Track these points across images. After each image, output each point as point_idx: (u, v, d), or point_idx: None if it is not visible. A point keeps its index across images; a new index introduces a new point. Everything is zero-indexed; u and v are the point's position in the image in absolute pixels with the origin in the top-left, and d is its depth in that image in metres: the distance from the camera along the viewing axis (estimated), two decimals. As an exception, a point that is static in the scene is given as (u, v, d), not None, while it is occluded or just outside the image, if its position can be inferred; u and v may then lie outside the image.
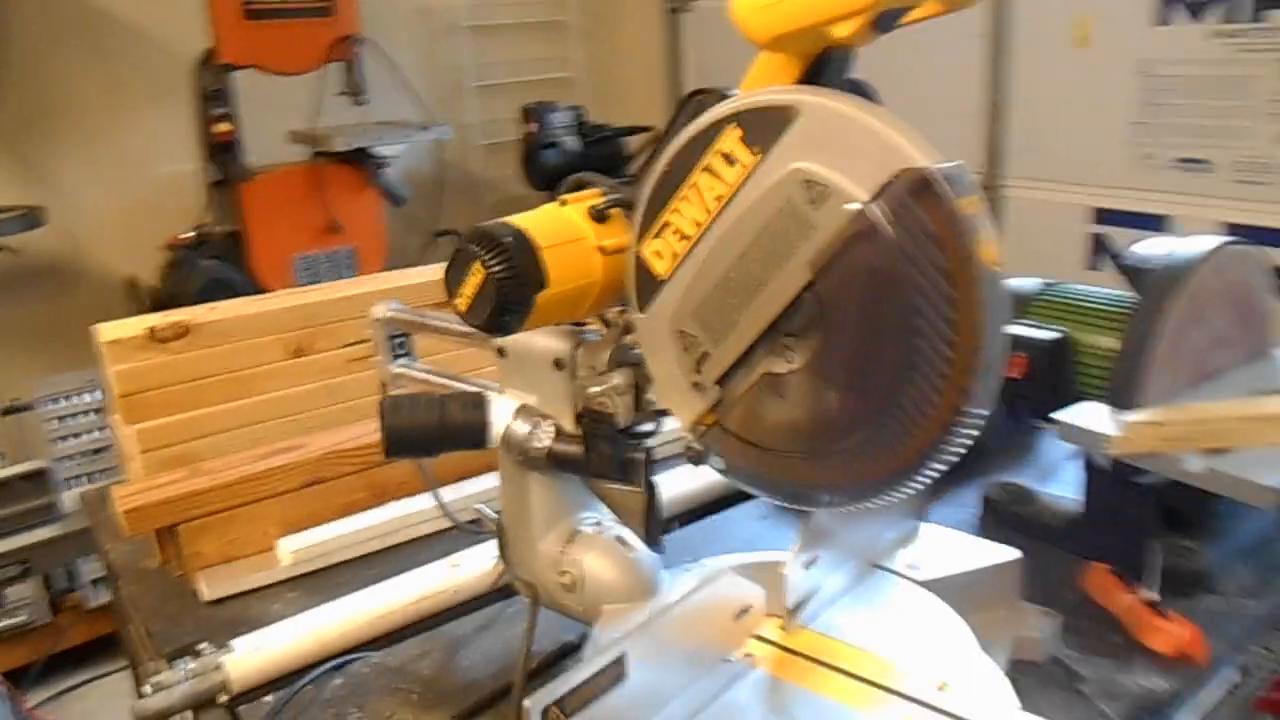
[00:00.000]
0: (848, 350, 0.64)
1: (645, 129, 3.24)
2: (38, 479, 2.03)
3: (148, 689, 0.89)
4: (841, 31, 0.61)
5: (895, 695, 0.73)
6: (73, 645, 2.33)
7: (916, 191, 0.59)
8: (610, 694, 0.65)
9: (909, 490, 0.67)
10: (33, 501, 2.00)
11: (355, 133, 2.79)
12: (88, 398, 2.43)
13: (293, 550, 1.09)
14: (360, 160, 2.80)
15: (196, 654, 0.92)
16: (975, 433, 0.63)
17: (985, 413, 0.62)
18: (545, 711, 0.60)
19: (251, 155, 2.67)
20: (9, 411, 2.35)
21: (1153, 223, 2.11)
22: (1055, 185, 2.31)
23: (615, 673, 0.65)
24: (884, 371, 0.63)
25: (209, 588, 1.06)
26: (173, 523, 1.06)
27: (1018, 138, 2.38)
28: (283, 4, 2.52)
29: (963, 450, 0.64)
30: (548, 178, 3.04)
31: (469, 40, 3.38)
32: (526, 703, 0.59)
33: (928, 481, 0.66)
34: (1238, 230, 2.02)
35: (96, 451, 2.40)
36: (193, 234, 2.61)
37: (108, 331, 1.14)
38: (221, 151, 2.56)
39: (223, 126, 2.51)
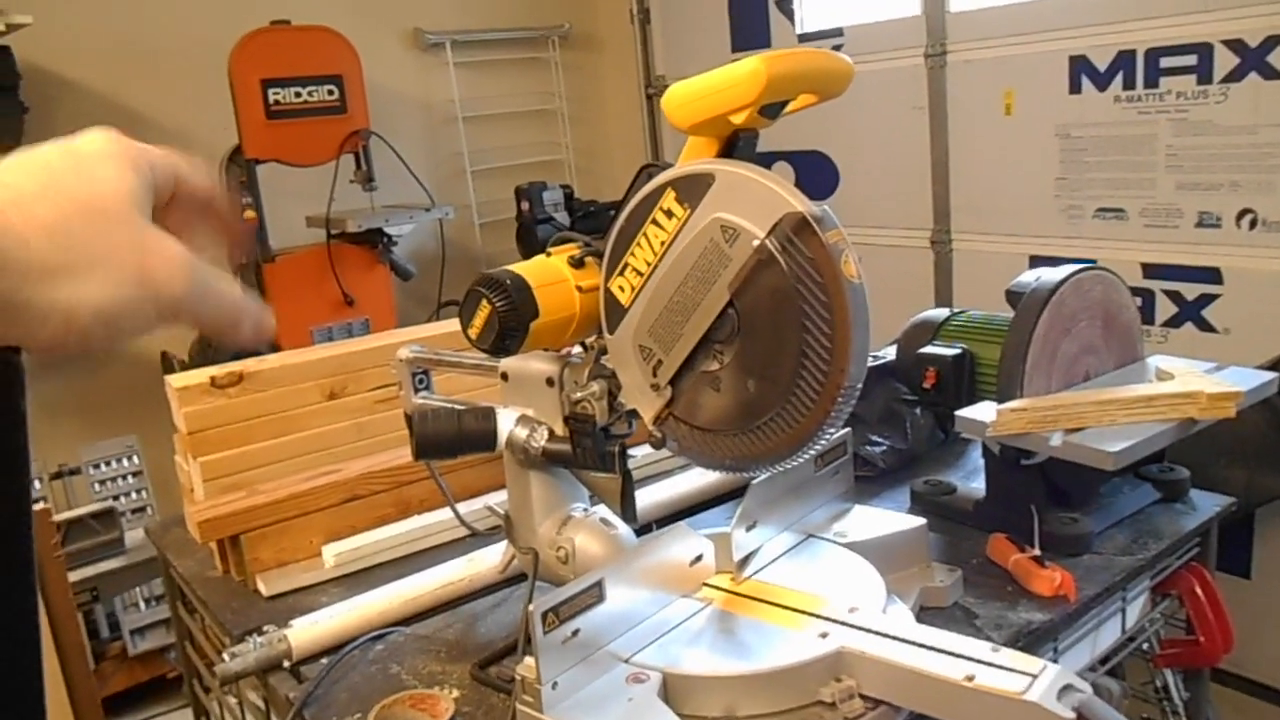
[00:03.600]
0: (760, 349, 0.86)
1: (630, 202, 3.50)
2: (106, 517, 2.27)
3: (225, 657, 1.10)
4: (738, 119, 0.84)
5: (817, 618, 0.94)
6: (114, 693, 2.51)
7: (797, 229, 0.81)
8: (593, 610, 0.86)
9: (814, 451, 0.89)
10: (102, 536, 2.22)
11: (366, 215, 3.05)
12: (126, 462, 2.65)
13: (335, 554, 1.30)
14: (371, 240, 3.06)
15: (262, 633, 1.13)
16: (854, 402, 0.85)
17: (860, 386, 0.85)
18: (544, 615, 0.81)
19: (273, 239, 2.94)
20: (58, 475, 2.58)
21: (1081, 267, 2.36)
22: (995, 237, 2.57)
23: (596, 594, 0.86)
24: (787, 362, 0.85)
25: (266, 586, 1.27)
26: (236, 532, 1.27)
27: (960, 197, 2.65)
28: (301, 105, 2.81)
29: (846, 416, 0.86)
30: (541, 251, 3.29)
31: (466, 130, 3.68)
32: (530, 607, 0.80)
33: (825, 444, 0.88)
34: (1152, 269, 2.27)
35: (135, 512, 2.62)
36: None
37: (178, 380, 1.37)
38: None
39: (249, 214, 2.78)
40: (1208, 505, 1.30)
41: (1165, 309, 2.27)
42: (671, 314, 0.89)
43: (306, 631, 1.11)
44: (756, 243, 0.82)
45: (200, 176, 0.50)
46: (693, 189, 0.86)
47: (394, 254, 3.15)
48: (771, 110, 0.86)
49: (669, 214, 0.88)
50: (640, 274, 0.91)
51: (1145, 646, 1.32)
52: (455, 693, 1.01)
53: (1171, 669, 1.35)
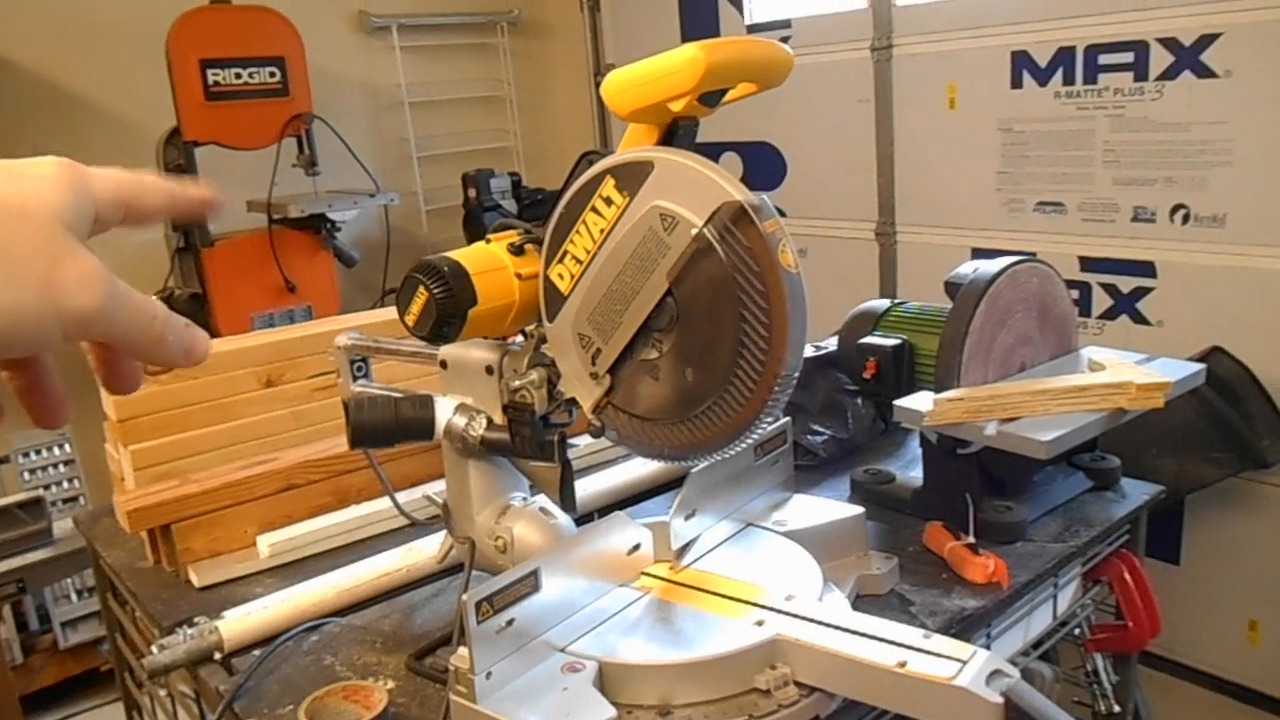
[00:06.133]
0: (698, 337, 0.86)
1: (579, 191, 3.49)
2: (33, 507, 2.20)
3: (154, 649, 1.07)
4: (677, 107, 0.84)
5: (754, 606, 0.94)
6: (43, 686, 2.45)
7: (735, 217, 0.81)
8: (528, 600, 0.86)
9: (752, 440, 0.89)
10: (28, 527, 2.15)
11: (309, 200, 2.99)
12: (57, 451, 2.58)
13: (270, 545, 1.27)
14: (314, 226, 3.00)
15: (193, 624, 1.11)
16: (791, 391, 0.85)
17: (797, 375, 0.85)
18: (478, 605, 0.81)
19: (213, 223, 2.86)
20: (-15, 464, 2.50)
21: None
22: (938, 229, 2.60)
23: (531, 583, 0.86)
24: (724, 351, 0.85)
25: (199, 576, 1.24)
26: (167, 522, 1.24)
27: (904, 189, 2.67)
28: (242, 86, 2.75)
29: (784, 405, 0.86)
30: (487, 239, 3.26)
31: (413, 115, 3.63)
32: (465, 596, 0.79)
33: (763, 433, 0.88)
34: (1089, 262, 2.32)
35: (67, 501, 2.55)
36: (157, 296, 2.79)
37: (106, 366, 1.33)
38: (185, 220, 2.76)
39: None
40: (1138, 493, 1.33)
41: (1102, 302, 2.32)
42: (610, 302, 0.89)
43: (239, 623, 1.09)
44: (695, 231, 0.82)
45: (153, 197, 0.47)
46: (632, 176, 0.86)
47: (337, 240, 3.09)
48: (711, 98, 0.86)
49: (608, 201, 0.87)
50: (580, 262, 0.90)
51: (1076, 632, 1.35)
52: (390, 684, 1.00)
53: (1101, 653, 1.39)
